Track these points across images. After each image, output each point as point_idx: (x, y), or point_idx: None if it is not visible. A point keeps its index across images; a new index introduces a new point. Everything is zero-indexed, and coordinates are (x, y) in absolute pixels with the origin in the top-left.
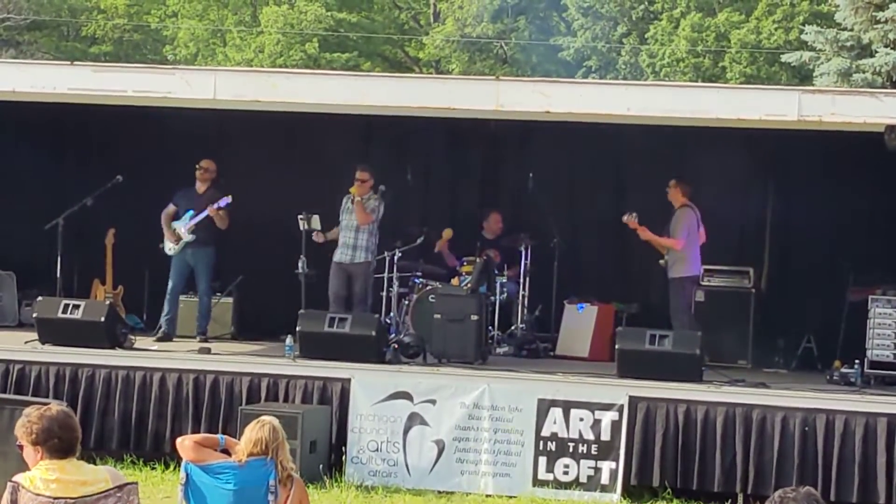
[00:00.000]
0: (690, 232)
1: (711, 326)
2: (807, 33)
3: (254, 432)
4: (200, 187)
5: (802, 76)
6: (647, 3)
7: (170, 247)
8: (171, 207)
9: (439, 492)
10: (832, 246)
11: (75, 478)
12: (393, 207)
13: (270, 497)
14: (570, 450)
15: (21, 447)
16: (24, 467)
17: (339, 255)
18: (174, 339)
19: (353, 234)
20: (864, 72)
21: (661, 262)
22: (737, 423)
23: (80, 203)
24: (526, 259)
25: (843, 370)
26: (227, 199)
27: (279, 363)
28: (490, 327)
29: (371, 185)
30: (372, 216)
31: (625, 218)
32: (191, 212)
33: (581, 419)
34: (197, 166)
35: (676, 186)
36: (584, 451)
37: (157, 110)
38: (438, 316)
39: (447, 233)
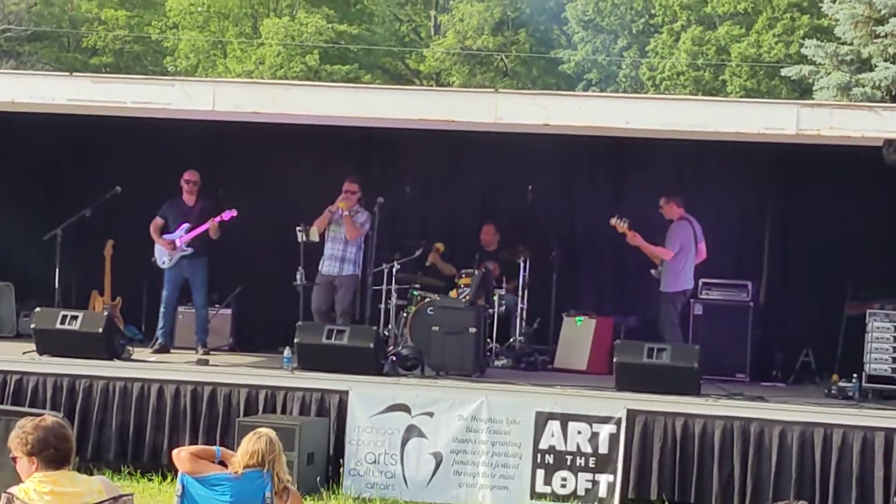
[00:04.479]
0: (684, 245)
1: (710, 340)
2: (807, 47)
3: (250, 444)
4: (189, 199)
5: (802, 90)
6: (647, 16)
7: (164, 259)
8: (158, 220)
9: None
10: (830, 260)
11: (69, 489)
12: (391, 220)
13: None
14: (568, 463)
15: (15, 459)
16: (20, 479)
17: (327, 268)
18: (171, 351)
19: (341, 247)
20: (863, 86)
21: (653, 271)
22: (735, 437)
23: (78, 214)
24: (524, 272)
25: (841, 384)
26: (233, 213)
27: (277, 375)
28: (488, 340)
29: (359, 196)
30: (362, 230)
31: (613, 221)
32: (187, 224)
33: (579, 432)
34: (184, 180)
35: (668, 202)
36: (582, 464)
37: (157, 121)
38: (437, 328)
39: (439, 246)
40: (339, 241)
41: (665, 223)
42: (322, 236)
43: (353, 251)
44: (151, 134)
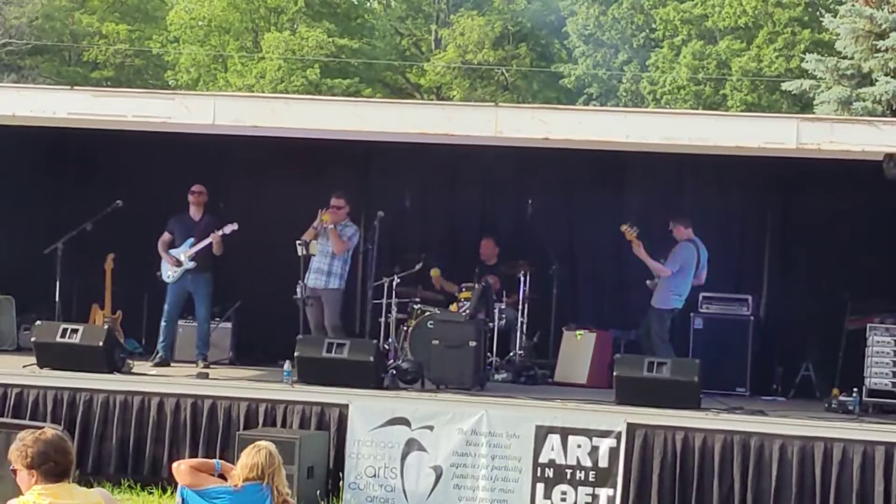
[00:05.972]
0: (683, 266)
1: (710, 354)
2: (807, 62)
3: (250, 457)
4: (196, 213)
5: (803, 104)
6: (648, 30)
7: (168, 274)
8: (166, 235)
9: None
10: (831, 274)
11: (69, 502)
12: (391, 233)
13: None
14: (568, 476)
15: (15, 472)
16: (20, 491)
17: (313, 281)
18: (172, 364)
19: (327, 260)
20: (864, 100)
21: (649, 282)
22: (735, 451)
23: (79, 227)
24: (524, 286)
25: (842, 398)
26: (234, 226)
27: (277, 388)
28: (488, 353)
29: (347, 212)
30: (349, 244)
31: (623, 227)
32: (191, 240)
33: (579, 446)
34: (191, 192)
35: (676, 224)
36: (582, 478)
37: (157, 135)
38: (437, 342)
39: (434, 273)
40: (325, 254)
41: (665, 239)
42: None
43: (338, 265)
44: (152, 148)
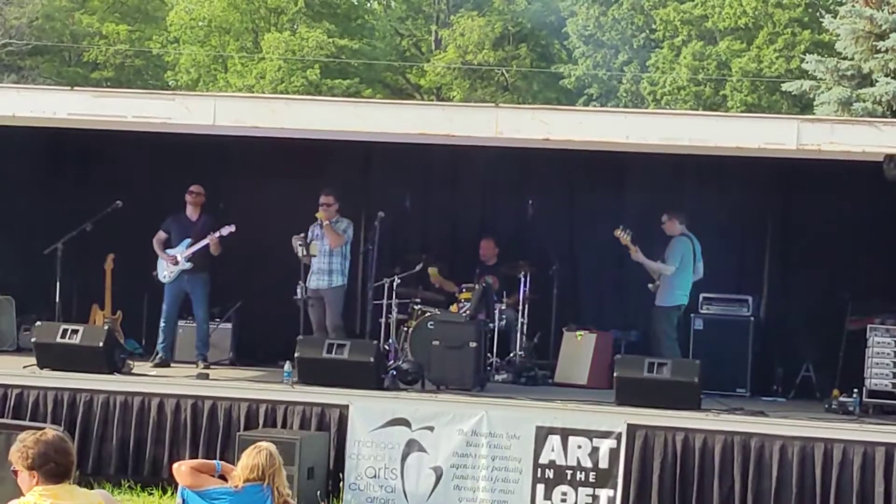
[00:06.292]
0: (683, 260)
1: (710, 354)
2: (807, 62)
3: (250, 458)
4: (193, 213)
5: (803, 105)
6: (648, 31)
7: (164, 274)
8: (161, 234)
9: None
10: (831, 275)
11: (69, 503)
12: (392, 234)
13: None
14: (568, 477)
15: (16, 473)
16: (21, 492)
17: (315, 282)
18: (171, 365)
19: (327, 259)
20: (864, 101)
21: (650, 285)
22: (735, 452)
23: (79, 228)
24: (525, 286)
25: (842, 399)
26: (231, 228)
27: (277, 389)
28: (489, 354)
29: (337, 208)
30: (344, 237)
31: (617, 232)
32: (188, 240)
33: (579, 447)
34: (188, 192)
35: (671, 219)
36: (582, 479)
37: (157, 135)
38: (437, 342)
39: (432, 271)
40: (324, 253)
41: (665, 237)
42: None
43: (338, 261)
44: (152, 148)
